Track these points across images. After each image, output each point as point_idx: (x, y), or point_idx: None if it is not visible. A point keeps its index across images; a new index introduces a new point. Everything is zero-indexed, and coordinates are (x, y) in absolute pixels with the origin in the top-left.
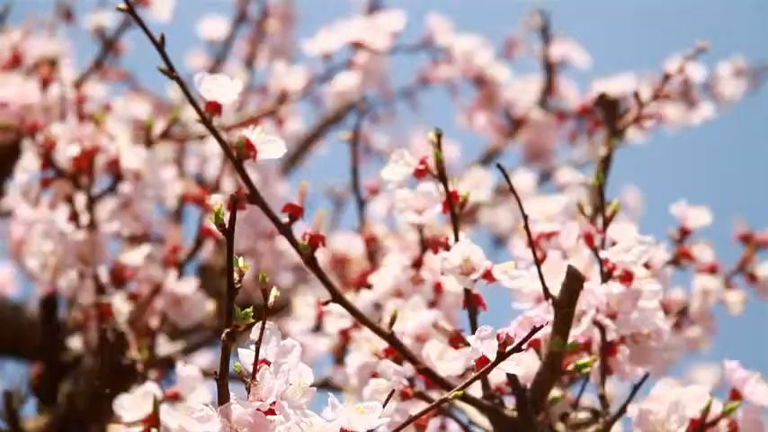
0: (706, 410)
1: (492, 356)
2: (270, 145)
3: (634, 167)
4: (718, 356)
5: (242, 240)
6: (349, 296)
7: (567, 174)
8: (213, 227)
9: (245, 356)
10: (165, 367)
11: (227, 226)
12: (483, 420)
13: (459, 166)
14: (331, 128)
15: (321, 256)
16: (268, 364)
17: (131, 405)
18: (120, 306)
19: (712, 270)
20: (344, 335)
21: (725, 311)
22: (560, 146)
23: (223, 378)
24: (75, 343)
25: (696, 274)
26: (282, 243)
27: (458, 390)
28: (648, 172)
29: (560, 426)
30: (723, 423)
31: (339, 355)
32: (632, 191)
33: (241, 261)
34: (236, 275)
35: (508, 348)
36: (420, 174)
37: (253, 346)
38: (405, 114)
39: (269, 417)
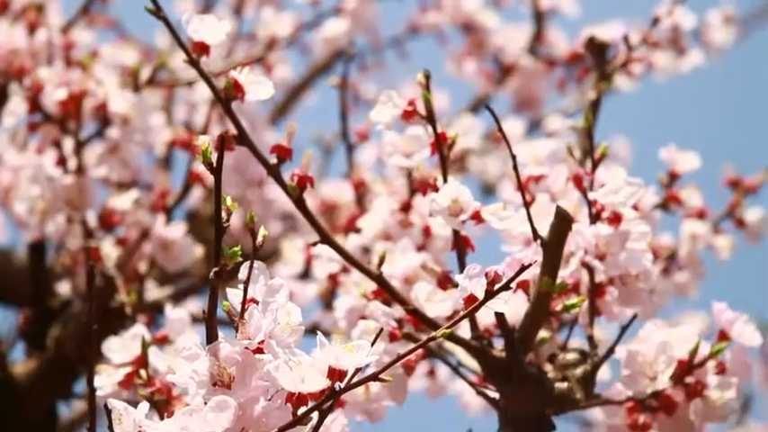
0: (694, 351)
1: (480, 295)
2: (258, 86)
3: (623, 117)
4: (707, 304)
5: (231, 188)
6: (338, 240)
7: (557, 121)
8: (202, 168)
9: (233, 296)
10: (154, 313)
11: (214, 165)
12: (472, 362)
13: (448, 113)
14: (320, 77)
15: (310, 201)
16: (256, 303)
17: (120, 347)
18: (109, 250)
19: (701, 215)
20: (333, 279)
21: (713, 256)
22: (549, 95)
23: (211, 317)
24: (63, 288)
25: (684, 220)
26: (272, 191)
27: (446, 328)
28: (638, 122)
29: (548, 366)
30: (711, 364)
31: (328, 300)
32: (622, 140)
33: (229, 200)
34: (223, 215)
35: (496, 287)
36: (408, 115)
37: (241, 286)
38: (393, 64)
39: (257, 355)
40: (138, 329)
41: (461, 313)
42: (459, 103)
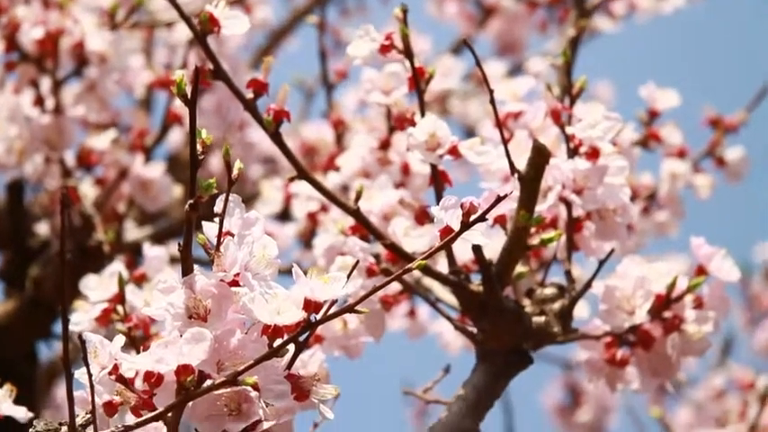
0: (671, 286)
1: (456, 226)
2: (233, 20)
3: (606, 60)
4: (688, 245)
5: (211, 131)
6: (317, 178)
7: (538, 63)
8: (180, 105)
9: (208, 229)
10: (134, 253)
11: (189, 97)
12: (450, 298)
13: (429, 56)
14: (301, 22)
15: (290, 143)
16: (232, 236)
17: (97, 285)
18: (87, 190)
19: (681, 154)
20: (312, 218)
21: (693, 196)
22: (532, 39)
23: (187, 249)
24: (42, 228)
25: (665, 158)
26: (253, 135)
27: (421, 259)
28: (620, 64)
29: (526, 301)
30: (689, 299)
31: (307, 240)
32: (604, 83)
33: (204, 133)
34: (198, 147)
35: (472, 218)
36: (385, 50)
37: (217, 220)
38: (375, 8)
39: (233, 287)
40: (116, 267)
41: (437, 245)
42: (441, 47)
